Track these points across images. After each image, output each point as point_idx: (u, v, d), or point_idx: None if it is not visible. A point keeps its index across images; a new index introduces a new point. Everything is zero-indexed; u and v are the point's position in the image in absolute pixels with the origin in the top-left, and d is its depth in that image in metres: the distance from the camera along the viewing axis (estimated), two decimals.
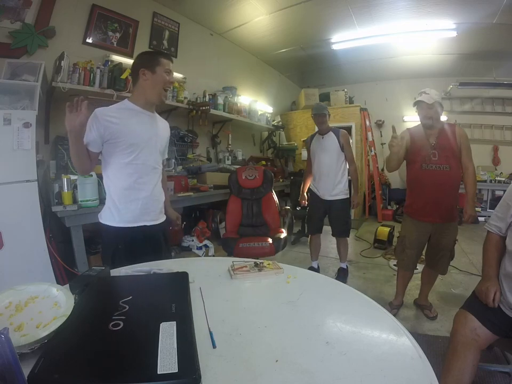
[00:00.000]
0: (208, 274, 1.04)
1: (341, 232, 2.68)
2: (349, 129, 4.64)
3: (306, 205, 2.86)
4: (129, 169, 1.35)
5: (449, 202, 1.86)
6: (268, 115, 5.00)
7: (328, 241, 2.81)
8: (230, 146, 4.39)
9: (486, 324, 1.11)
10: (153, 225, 1.44)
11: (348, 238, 2.75)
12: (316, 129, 2.74)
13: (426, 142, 1.87)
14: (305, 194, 2.83)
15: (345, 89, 5.48)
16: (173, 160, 3.07)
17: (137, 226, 1.39)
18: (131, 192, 1.37)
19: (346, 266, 2.81)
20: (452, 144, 1.82)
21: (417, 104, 1.85)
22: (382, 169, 5.94)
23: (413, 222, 1.97)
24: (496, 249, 1.21)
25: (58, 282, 1.82)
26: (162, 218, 1.53)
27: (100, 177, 1.64)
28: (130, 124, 1.34)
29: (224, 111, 3.87)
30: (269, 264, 1.09)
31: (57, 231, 2.20)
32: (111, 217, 1.38)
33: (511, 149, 5.42)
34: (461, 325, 1.14)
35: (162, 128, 1.51)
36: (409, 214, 2.01)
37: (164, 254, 1.50)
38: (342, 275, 2.72)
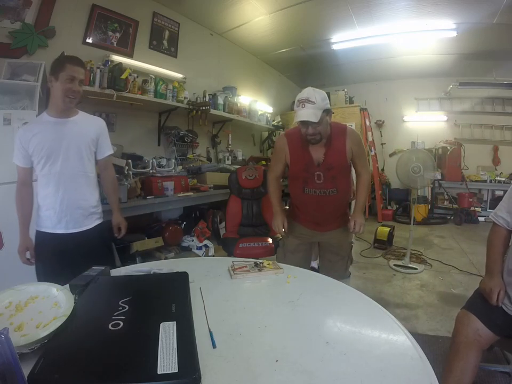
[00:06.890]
0: (208, 274, 1.04)
1: None
2: None
3: None
4: (45, 179, 1.40)
5: (334, 217, 1.59)
6: (268, 115, 4.99)
7: None
8: (230, 146, 4.39)
9: (489, 324, 1.10)
10: (76, 232, 1.43)
11: None
12: None
13: (310, 159, 1.46)
14: None
15: (345, 89, 5.48)
16: (173, 160, 3.07)
17: (58, 233, 1.41)
18: (48, 200, 1.41)
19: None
20: (342, 159, 1.47)
21: (301, 122, 1.35)
22: (382, 169, 5.94)
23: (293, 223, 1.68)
24: (502, 244, 1.16)
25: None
26: (89, 225, 1.48)
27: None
28: (44, 137, 1.36)
29: (224, 111, 3.86)
30: (269, 264, 1.09)
31: None
32: (37, 221, 1.46)
33: (511, 149, 5.42)
34: (463, 326, 1.13)
35: (83, 131, 1.45)
36: (290, 216, 1.69)
37: (104, 260, 1.19)
38: None
